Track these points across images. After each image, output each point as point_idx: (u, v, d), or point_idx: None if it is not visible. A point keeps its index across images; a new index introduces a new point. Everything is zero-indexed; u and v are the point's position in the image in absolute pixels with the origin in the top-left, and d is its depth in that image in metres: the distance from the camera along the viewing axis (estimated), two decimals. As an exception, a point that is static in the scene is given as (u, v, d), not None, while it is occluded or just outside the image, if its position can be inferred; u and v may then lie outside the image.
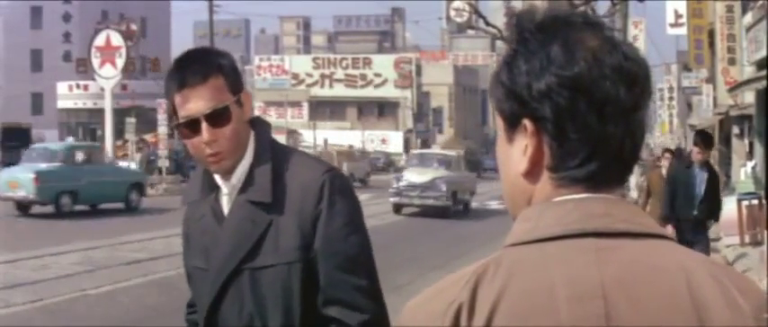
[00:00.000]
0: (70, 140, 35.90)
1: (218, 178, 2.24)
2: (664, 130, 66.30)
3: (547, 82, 1.12)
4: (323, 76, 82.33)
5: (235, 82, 2.18)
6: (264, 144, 2.24)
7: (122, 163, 37.00)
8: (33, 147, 24.71)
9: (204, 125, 2.12)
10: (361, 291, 2.15)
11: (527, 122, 1.14)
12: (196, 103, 2.12)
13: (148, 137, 41.40)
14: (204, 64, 2.15)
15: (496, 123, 1.22)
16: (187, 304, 2.49)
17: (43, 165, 21.50)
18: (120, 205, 22.84)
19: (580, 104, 1.12)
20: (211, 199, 2.25)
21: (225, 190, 2.23)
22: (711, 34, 23.47)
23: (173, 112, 2.17)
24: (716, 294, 1.10)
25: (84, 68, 42.05)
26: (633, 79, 1.14)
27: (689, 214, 9.28)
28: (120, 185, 22.95)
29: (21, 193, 21.13)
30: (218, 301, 2.20)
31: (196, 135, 2.13)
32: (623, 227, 1.12)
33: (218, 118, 2.13)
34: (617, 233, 1.11)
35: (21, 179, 21.14)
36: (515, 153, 1.17)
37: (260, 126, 2.28)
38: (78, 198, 21.83)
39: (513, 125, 1.17)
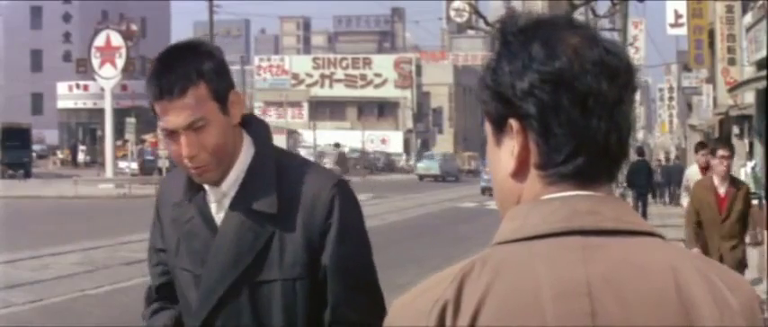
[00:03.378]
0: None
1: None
2: (664, 130, 66.31)
3: (529, 79, 1.14)
4: (323, 76, 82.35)
5: (219, 86, 2.01)
6: (265, 148, 2.10)
7: (122, 164, 37.07)
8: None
9: (183, 139, 1.98)
10: (371, 311, 2.06)
11: (513, 121, 1.15)
12: (175, 117, 1.97)
13: (148, 137, 41.42)
14: (183, 72, 1.97)
15: (485, 128, 1.22)
16: (149, 287, 2.32)
17: None
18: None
19: (563, 99, 1.13)
20: (199, 202, 2.11)
21: (213, 196, 2.10)
22: (711, 34, 23.47)
23: (155, 115, 2.04)
24: (704, 291, 1.10)
25: (84, 68, 42.05)
26: (614, 72, 1.15)
27: None
28: None
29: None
30: (215, 313, 2.07)
31: (177, 145, 2.00)
32: (610, 225, 1.12)
33: (198, 131, 1.98)
34: (604, 231, 1.11)
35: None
36: (504, 155, 1.18)
37: (257, 126, 2.13)
38: None
39: (500, 127, 1.18)
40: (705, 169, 10.29)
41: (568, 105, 1.12)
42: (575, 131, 1.13)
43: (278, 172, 2.07)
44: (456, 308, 1.08)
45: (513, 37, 1.18)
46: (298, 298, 2.04)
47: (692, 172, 10.79)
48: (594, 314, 1.06)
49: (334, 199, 2.04)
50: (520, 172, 1.17)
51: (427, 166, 52.82)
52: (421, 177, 51.71)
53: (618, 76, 1.15)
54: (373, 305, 2.08)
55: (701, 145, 11.61)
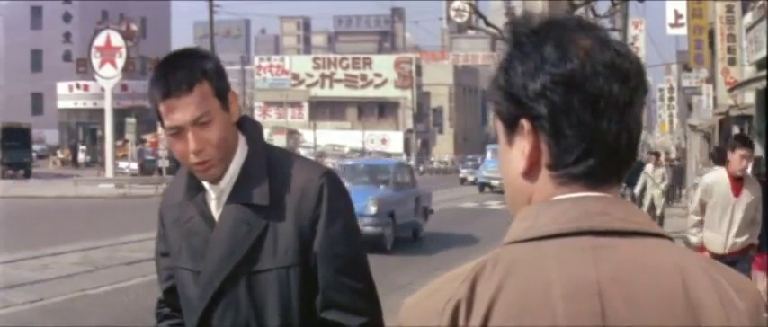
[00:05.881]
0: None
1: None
2: (664, 130, 66.29)
3: (541, 81, 1.15)
4: (323, 76, 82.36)
5: (220, 85, 2.13)
6: (257, 145, 2.21)
7: (122, 164, 37.08)
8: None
9: (190, 134, 2.08)
10: (360, 294, 2.16)
11: (524, 122, 1.17)
12: (182, 113, 2.06)
13: (148, 137, 41.44)
14: (189, 71, 2.08)
15: (497, 128, 1.24)
16: (158, 299, 2.43)
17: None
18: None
19: (574, 101, 1.14)
20: (199, 201, 2.20)
21: (213, 194, 2.19)
22: (711, 34, 23.46)
23: (159, 117, 2.12)
24: (711, 292, 1.11)
25: (84, 68, 42.08)
26: (625, 75, 1.16)
27: None
28: None
29: None
30: (213, 305, 2.16)
31: (182, 143, 2.09)
32: (620, 226, 1.13)
33: (204, 126, 2.08)
34: (613, 231, 1.13)
35: None
36: (515, 154, 1.19)
37: (250, 126, 2.24)
38: None
39: (511, 127, 1.19)
40: (739, 180, 7.01)
41: (579, 107, 1.14)
42: (585, 133, 1.14)
43: (269, 166, 2.17)
44: (469, 307, 1.09)
45: (526, 38, 1.19)
46: (292, 285, 2.13)
47: (717, 180, 7.21)
48: (604, 314, 1.07)
49: (323, 189, 2.14)
50: (531, 172, 1.18)
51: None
52: (483, 187, 37.40)
53: (629, 79, 1.16)
54: (363, 289, 2.17)
55: (742, 142, 7.27)
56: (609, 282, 1.09)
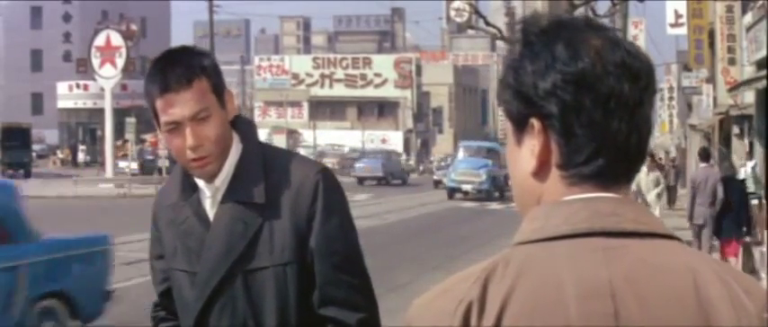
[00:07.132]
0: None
1: (198, 180, 2.18)
2: (664, 130, 66.28)
3: (552, 80, 1.15)
4: (323, 76, 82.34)
5: (217, 82, 2.13)
6: (251, 143, 2.20)
7: (122, 163, 37.10)
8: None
9: (188, 130, 2.06)
10: (357, 290, 2.16)
11: (534, 121, 1.16)
12: (181, 108, 2.05)
13: (148, 137, 41.44)
14: (188, 66, 2.08)
15: (506, 127, 1.24)
16: (154, 303, 2.42)
17: None
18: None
19: (585, 100, 1.14)
20: (194, 202, 2.19)
21: (207, 192, 2.18)
22: (711, 34, 23.47)
23: (154, 114, 2.10)
24: (722, 293, 1.12)
25: (84, 68, 42.10)
26: (636, 75, 1.16)
27: None
28: None
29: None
30: (210, 305, 2.15)
31: (180, 139, 2.08)
32: (631, 227, 1.13)
33: (202, 122, 2.08)
34: (624, 232, 1.13)
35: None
36: (524, 153, 1.19)
37: (244, 125, 2.24)
38: None
39: (521, 126, 1.19)
40: None
41: (590, 106, 1.14)
42: (595, 132, 1.14)
43: (264, 164, 2.17)
44: (481, 308, 1.09)
45: (536, 37, 1.19)
46: (289, 282, 2.13)
47: None
48: (617, 314, 1.08)
49: (319, 185, 2.13)
50: (541, 172, 1.18)
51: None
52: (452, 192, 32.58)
53: (639, 78, 1.16)
54: (360, 285, 2.18)
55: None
56: (622, 283, 1.09)
